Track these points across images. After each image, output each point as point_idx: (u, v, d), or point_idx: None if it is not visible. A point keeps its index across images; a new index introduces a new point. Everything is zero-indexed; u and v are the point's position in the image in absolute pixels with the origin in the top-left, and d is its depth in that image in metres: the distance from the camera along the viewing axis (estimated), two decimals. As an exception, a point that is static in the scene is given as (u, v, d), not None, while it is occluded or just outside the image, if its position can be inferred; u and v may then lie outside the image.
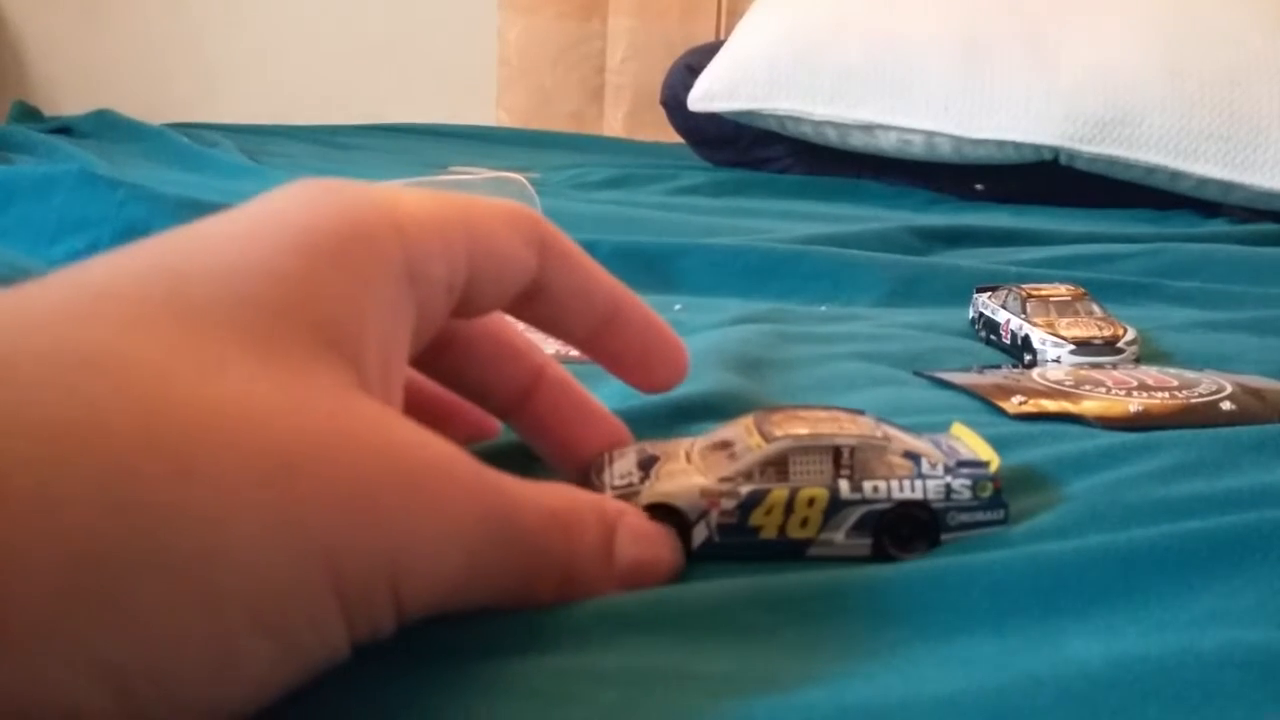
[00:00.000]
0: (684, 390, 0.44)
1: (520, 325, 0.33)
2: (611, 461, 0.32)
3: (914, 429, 0.33)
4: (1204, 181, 1.16)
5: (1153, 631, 0.24)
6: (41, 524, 0.18)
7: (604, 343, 0.32)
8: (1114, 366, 0.51)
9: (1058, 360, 0.53)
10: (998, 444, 0.32)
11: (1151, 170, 1.17)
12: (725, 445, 0.31)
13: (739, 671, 0.24)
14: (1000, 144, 1.21)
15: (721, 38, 1.63)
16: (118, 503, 0.18)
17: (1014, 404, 0.45)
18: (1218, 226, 1.09)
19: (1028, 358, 0.55)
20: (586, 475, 0.33)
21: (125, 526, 0.18)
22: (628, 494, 0.30)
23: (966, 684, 0.22)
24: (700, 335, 0.58)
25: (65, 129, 1.40)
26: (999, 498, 0.31)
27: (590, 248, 0.92)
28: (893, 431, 0.32)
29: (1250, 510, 0.30)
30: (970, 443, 0.33)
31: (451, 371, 0.33)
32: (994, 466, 0.31)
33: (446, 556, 0.23)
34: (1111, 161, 1.18)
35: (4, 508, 0.18)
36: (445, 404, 0.34)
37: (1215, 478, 0.34)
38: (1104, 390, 0.46)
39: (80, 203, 0.79)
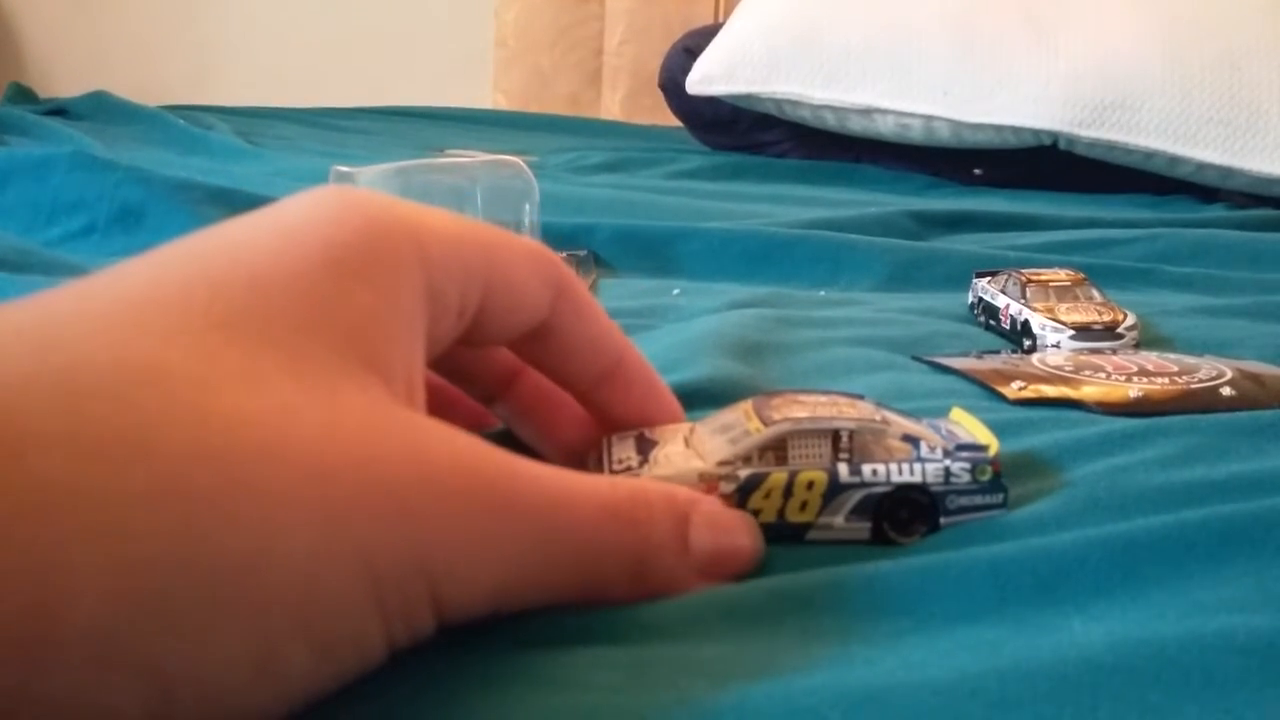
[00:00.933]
0: (682, 375, 0.44)
1: None
2: (610, 446, 0.32)
3: (913, 414, 0.33)
4: (1203, 166, 1.16)
5: (1154, 617, 0.24)
6: (95, 534, 0.18)
7: (602, 396, 0.32)
8: (1114, 352, 0.51)
9: (1057, 345, 0.53)
10: (997, 429, 0.32)
11: (1150, 155, 1.17)
12: (724, 429, 0.31)
13: (739, 656, 0.24)
14: (999, 128, 1.20)
15: (720, 20, 1.62)
16: (168, 513, 0.19)
17: (1013, 389, 0.44)
18: (1216, 212, 1.09)
19: (1027, 343, 0.55)
20: (584, 460, 0.33)
21: (175, 536, 0.19)
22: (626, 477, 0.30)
23: (968, 669, 0.22)
24: (698, 320, 0.58)
25: (61, 111, 1.40)
26: (998, 481, 0.31)
27: (588, 232, 0.91)
28: (891, 416, 0.32)
29: (1251, 496, 0.30)
30: (969, 427, 0.33)
31: (437, 362, 0.33)
32: (993, 450, 0.31)
33: (485, 558, 0.23)
34: (1110, 146, 1.18)
35: (60, 519, 0.18)
36: (447, 395, 0.34)
37: (1215, 463, 0.34)
38: (1104, 375, 0.45)
39: (76, 184, 0.79)
